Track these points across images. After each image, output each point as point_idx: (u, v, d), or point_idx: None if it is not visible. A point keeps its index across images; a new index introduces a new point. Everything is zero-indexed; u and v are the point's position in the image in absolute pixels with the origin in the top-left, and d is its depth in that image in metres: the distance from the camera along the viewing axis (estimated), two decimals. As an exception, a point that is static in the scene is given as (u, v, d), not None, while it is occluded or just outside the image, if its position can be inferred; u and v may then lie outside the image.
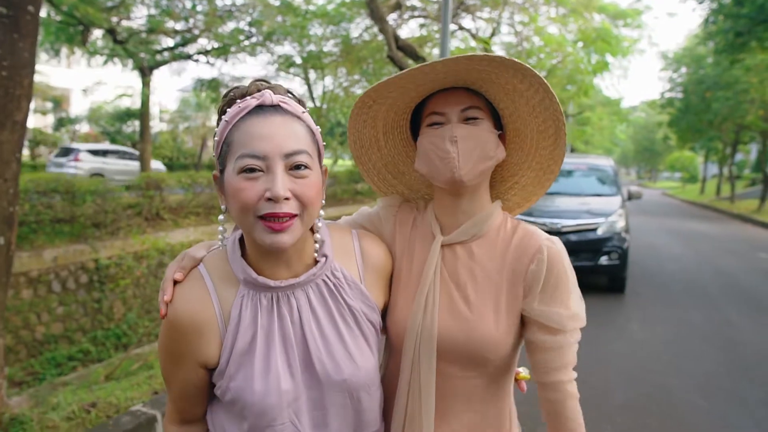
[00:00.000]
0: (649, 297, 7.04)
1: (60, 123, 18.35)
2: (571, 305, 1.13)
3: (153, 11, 13.40)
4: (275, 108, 0.99)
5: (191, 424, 1.16)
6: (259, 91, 1.02)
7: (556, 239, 1.16)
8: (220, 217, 1.08)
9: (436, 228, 1.19)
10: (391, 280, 1.21)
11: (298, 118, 1.01)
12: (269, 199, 0.93)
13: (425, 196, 1.34)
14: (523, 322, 1.16)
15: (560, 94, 15.57)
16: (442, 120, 1.14)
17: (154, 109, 22.45)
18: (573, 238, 6.95)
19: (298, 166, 0.96)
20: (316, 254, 1.09)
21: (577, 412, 1.14)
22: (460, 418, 1.15)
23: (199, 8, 13.56)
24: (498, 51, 15.27)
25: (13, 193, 2.88)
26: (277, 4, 13.96)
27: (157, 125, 23.93)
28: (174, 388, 1.10)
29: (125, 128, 19.23)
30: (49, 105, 18.87)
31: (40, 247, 7.74)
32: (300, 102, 1.06)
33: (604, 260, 6.84)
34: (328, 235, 1.13)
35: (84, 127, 20.24)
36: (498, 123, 1.19)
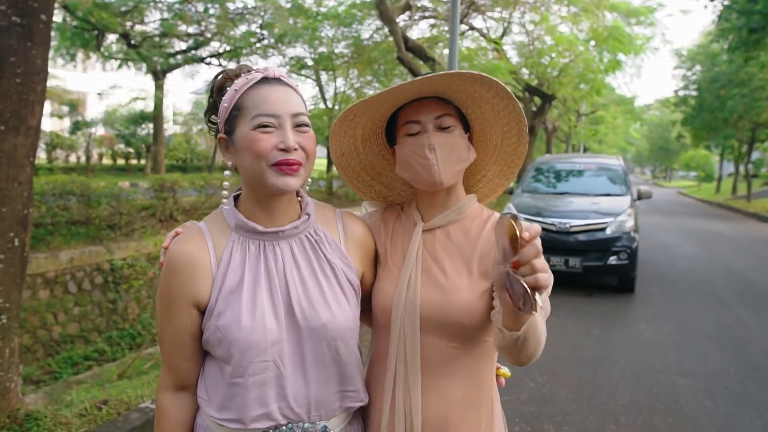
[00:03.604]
0: (659, 297, 7.00)
1: (76, 126, 18.59)
2: None
3: (166, 15, 13.57)
4: (277, 80, 1.17)
5: (184, 392, 1.22)
6: (248, 71, 1.21)
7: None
8: (226, 173, 1.22)
9: (418, 217, 1.34)
10: (375, 266, 1.34)
11: (294, 89, 1.19)
12: (282, 150, 1.11)
13: (401, 192, 1.48)
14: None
15: (572, 93, 15.48)
16: (419, 128, 1.27)
17: (167, 112, 22.70)
18: (582, 237, 6.94)
19: (301, 124, 1.15)
20: (300, 212, 1.24)
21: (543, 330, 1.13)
22: (446, 388, 1.24)
23: (211, 11, 13.71)
24: (509, 51, 15.25)
25: (27, 196, 2.96)
26: (288, 6, 14.08)
27: (170, 128, 24.20)
28: (168, 341, 1.19)
29: (139, 131, 19.44)
30: (66, 109, 19.16)
31: (57, 249, 7.89)
32: None
33: (613, 260, 6.81)
34: (314, 206, 1.27)
35: (100, 130, 20.51)
36: (465, 126, 1.33)
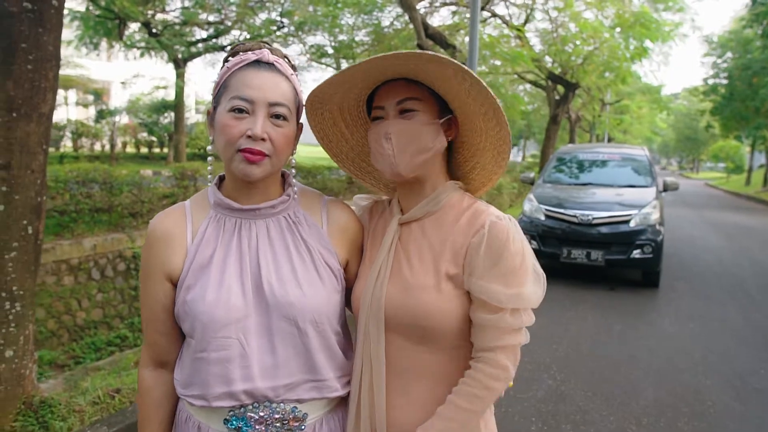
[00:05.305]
0: (684, 292, 6.80)
1: (100, 115, 18.82)
2: (514, 284, 1.11)
3: (187, 3, 13.59)
4: (270, 65, 1.14)
5: (163, 368, 1.22)
6: (260, 48, 1.18)
7: (508, 217, 1.18)
8: (209, 147, 1.23)
9: (397, 209, 1.27)
10: (360, 258, 1.30)
11: (287, 78, 1.16)
12: (249, 137, 1.09)
13: None
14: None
15: (597, 81, 15.15)
16: (382, 114, 1.19)
17: (189, 101, 22.86)
18: (604, 230, 6.77)
19: (277, 116, 1.12)
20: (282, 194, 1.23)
21: (483, 400, 1.12)
22: (415, 393, 1.17)
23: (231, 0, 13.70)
24: (532, 38, 14.95)
25: (40, 184, 2.95)
26: (308, -7, 13.99)
27: (192, 116, 24.37)
28: (145, 314, 1.21)
29: (162, 119, 19.60)
30: (90, 98, 19.40)
31: (80, 236, 7.99)
32: (292, 66, 1.21)
33: (636, 253, 6.62)
34: (299, 191, 1.26)
35: (123, 119, 20.75)
36: (446, 108, 1.21)
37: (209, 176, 1.24)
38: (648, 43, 12.86)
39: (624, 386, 4.01)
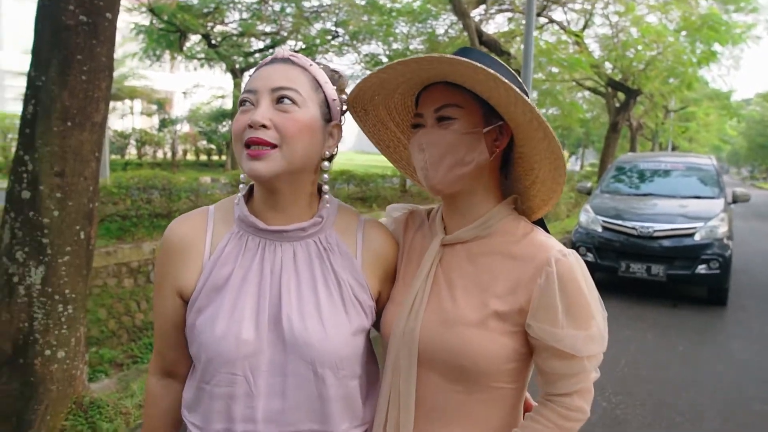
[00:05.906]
0: (755, 311, 6.32)
1: (163, 124, 19.73)
2: (591, 326, 1.00)
3: (245, 15, 14.02)
4: (285, 60, 1.05)
5: (171, 378, 1.16)
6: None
7: (571, 251, 1.04)
8: (242, 175, 1.14)
9: (440, 227, 1.13)
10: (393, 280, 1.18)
11: (304, 68, 1.05)
12: (250, 126, 0.99)
13: None
14: (530, 345, 1.04)
15: (660, 87, 14.51)
16: (422, 121, 1.08)
17: (246, 109, 23.58)
18: (666, 243, 6.40)
19: (281, 99, 1.00)
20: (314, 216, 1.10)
21: None
22: None
23: (287, 10, 14.02)
24: (591, 44, 14.50)
25: (92, 191, 3.04)
26: (363, 3, 14.13)
27: (250, 125, 25.17)
28: (156, 323, 1.13)
29: (220, 128, 20.30)
30: (154, 107, 20.36)
31: (140, 240, 8.30)
32: (338, 74, 1.11)
33: (702, 269, 6.22)
34: (336, 209, 1.13)
35: (184, 127, 21.61)
36: (494, 115, 1.06)
37: (240, 193, 1.13)
38: (717, 47, 12.21)
39: (686, 413, 3.73)
